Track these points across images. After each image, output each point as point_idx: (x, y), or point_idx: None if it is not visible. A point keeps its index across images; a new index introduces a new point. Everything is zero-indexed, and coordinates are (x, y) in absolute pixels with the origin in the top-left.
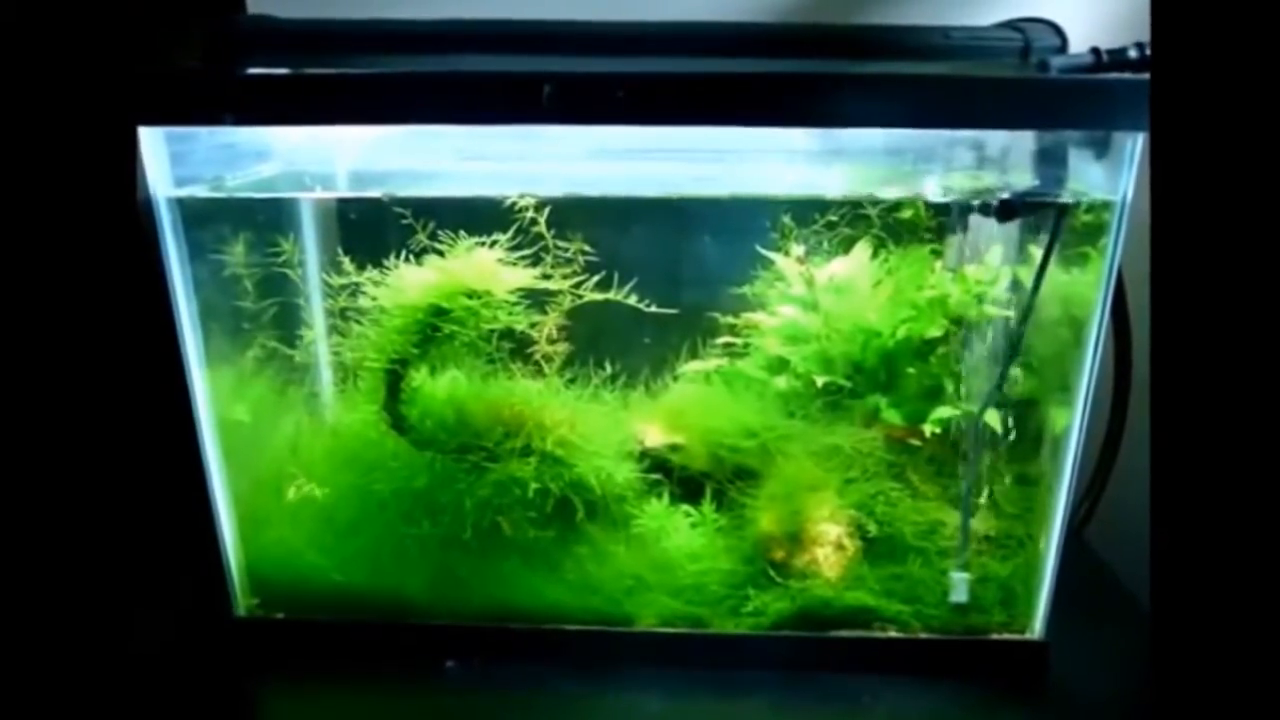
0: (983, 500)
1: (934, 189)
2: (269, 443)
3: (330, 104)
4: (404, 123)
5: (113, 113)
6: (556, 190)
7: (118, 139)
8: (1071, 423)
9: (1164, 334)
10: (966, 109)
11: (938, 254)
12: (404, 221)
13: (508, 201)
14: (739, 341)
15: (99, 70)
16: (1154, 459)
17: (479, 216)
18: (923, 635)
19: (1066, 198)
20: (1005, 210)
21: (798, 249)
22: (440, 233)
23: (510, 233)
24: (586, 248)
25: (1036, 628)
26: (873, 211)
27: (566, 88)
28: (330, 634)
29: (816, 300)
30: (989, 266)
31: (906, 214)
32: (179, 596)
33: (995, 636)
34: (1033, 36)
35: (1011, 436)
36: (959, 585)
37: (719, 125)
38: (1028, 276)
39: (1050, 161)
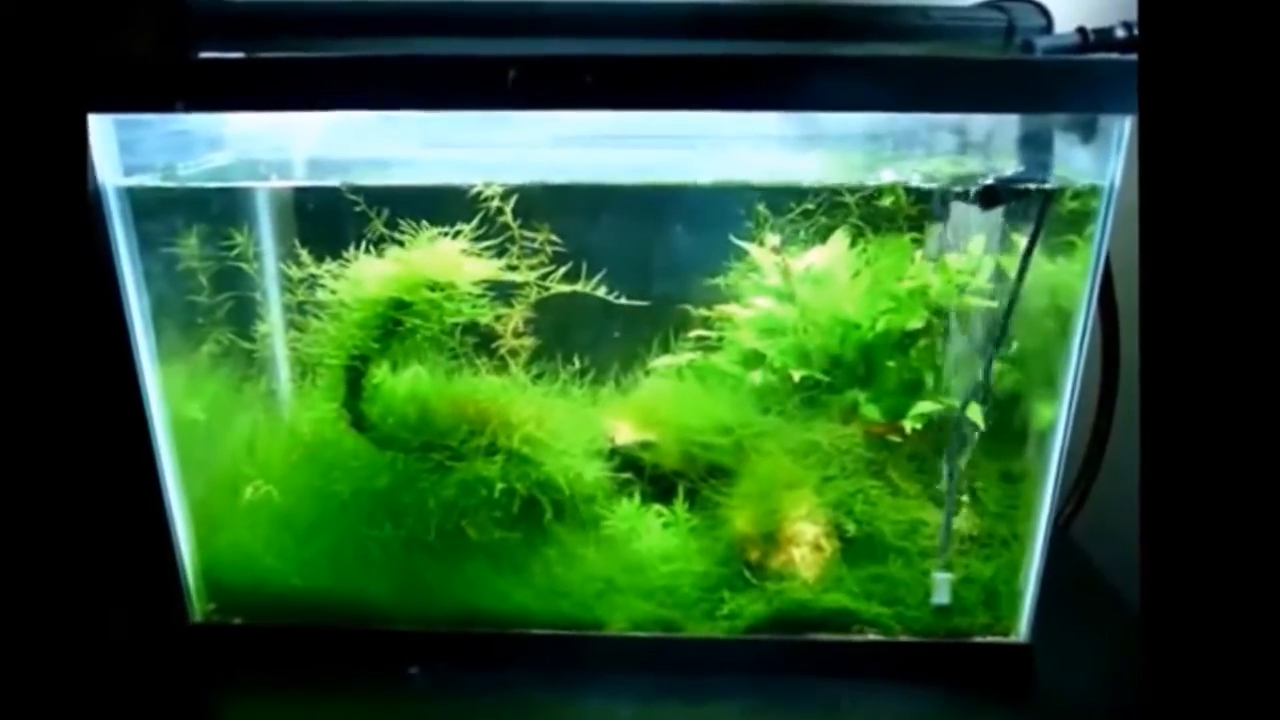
0: (965, 498)
1: (914, 175)
2: (225, 442)
3: (286, 89)
4: (363, 108)
5: (60, 100)
6: (522, 178)
7: (66, 127)
8: (1057, 417)
9: (1154, 325)
10: (948, 92)
11: (918, 243)
12: (359, 210)
13: (472, 190)
14: (712, 335)
15: (45, 56)
16: (1144, 455)
17: (442, 206)
18: (904, 638)
19: (1051, 184)
20: (988, 197)
21: (773, 238)
22: (401, 223)
23: (474, 223)
24: (554, 238)
25: (1021, 630)
26: (851, 199)
27: (532, 71)
28: (290, 640)
29: (793, 291)
30: (971, 256)
31: (886, 202)
32: (131, 602)
33: (979, 639)
34: (1016, 16)
35: (995, 432)
36: (941, 586)
37: (691, 110)
38: (1011, 266)
39: (1035, 146)
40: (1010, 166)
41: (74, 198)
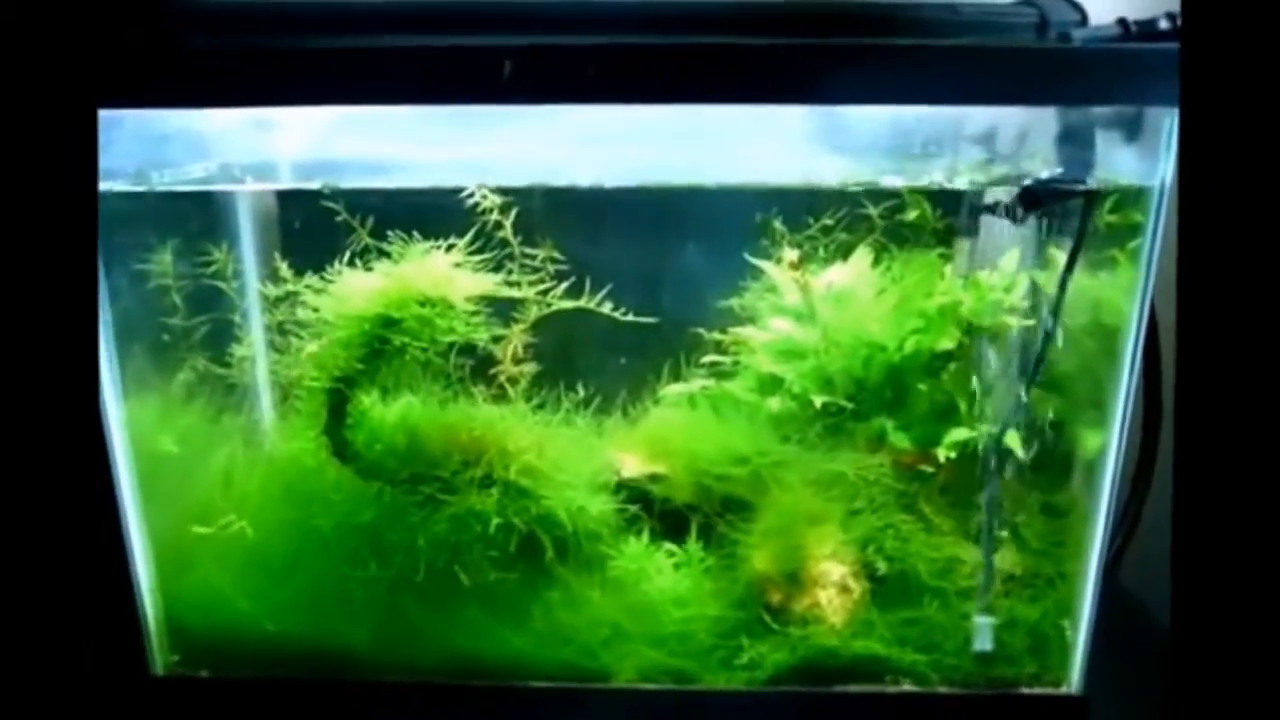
0: (1005, 534)
1: (946, 177)
2: (192, 472)
3: (275, 82)
4: (354, 102)
5: (70, 94)
6: (519, 181)
7: (75, 122)
8: (1106, 444)
9: (1193, 346)
10: (981, 83)
11: (946, 259)
12: (341, 219)
13: (463, 193)
14: (726, 360)
15: (54, 49)
16: (1177, 495)
17: (432, 215)
18: (942, 690)
19: (1095, 184)
20: (1027, 199)
21: (791, 253)
22: (390, 233)
23: (469, 234)
24: (556, 254)
25: (1073, 680)
26: (874, 211)
27: (530, 62)
28: (262, 693)
29: (813, 311)
30: (1005, 272)
31: (911, 215)
32: (86, 653)
33: (1026, 690)
34: (1049, 11)
35: (1036, 461)
36: (983, 631)
37: (704, 104)
38: (1049, 283)
39: (1076, 144)
40: (1050, 167)
41: (81, 198)
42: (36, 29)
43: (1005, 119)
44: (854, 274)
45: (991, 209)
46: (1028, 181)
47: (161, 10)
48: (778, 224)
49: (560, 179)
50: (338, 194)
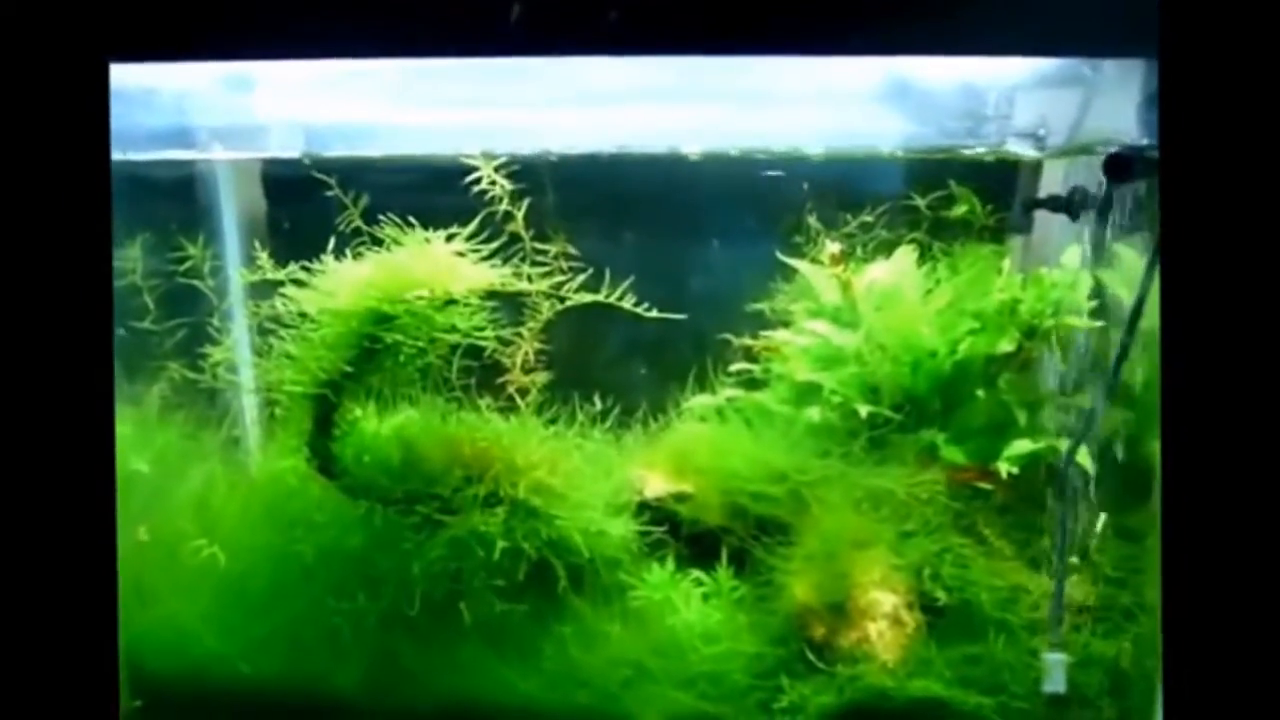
0: (1075, 560)
1: (1019, 142)
2: (156, 489)
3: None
4: (347, 55)
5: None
6: (526, 146)
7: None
8: None
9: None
10: (1055, 30)
11: (1000, 256)
12: (331, 193)
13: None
14: (756, 368)
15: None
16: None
17: (428, 187)
18: None
19: None
20: (1115, 166)
21: (833, 247)
22: (381, 215)
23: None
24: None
25: None
26: (921, 201)
27: (541, 5)
28: None
29: (855, 312)
30: (1066, 269)
31: (961, 210)
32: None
33: None
34: None
35: (1109, 479)
36: (1055, 670)
37: (741, 54)
38: (1116, 282)
39: None
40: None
41: (93, 155)
42: None
43: (1090, 74)
44: (898, 272)
45: (1048, 203)
46: (1114, 148)
47: None
48: (812, 220)
49: (574, 145)
50: (322, 163)
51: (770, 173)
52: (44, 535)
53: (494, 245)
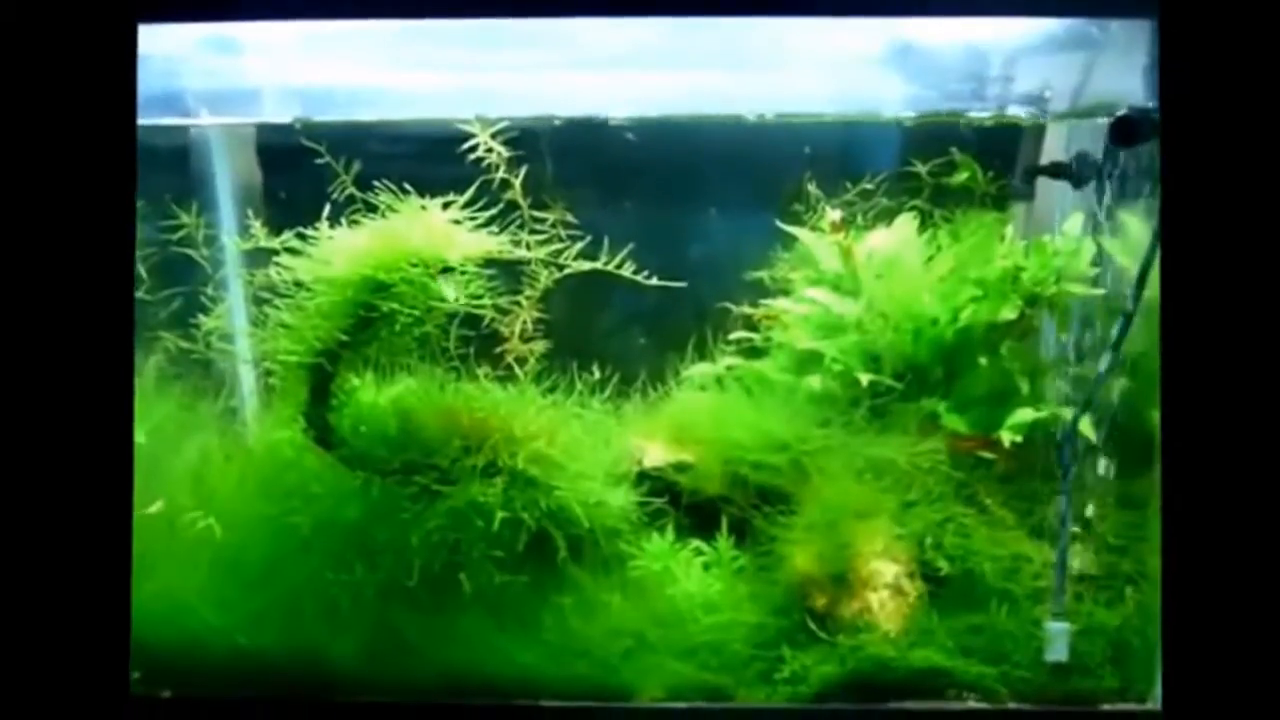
0: (1077, 529)
1: (1022, 106)
2: (153, 461)
3: None
4: (367, 16)
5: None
6: (523, 111)
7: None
8: None
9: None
10: None
11: (1002, 223)
12: (322, 161)
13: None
14: (757, 336)
15: None
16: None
17: (424, 153)
18: (1012, 706)
19: None
20: (1122, 130)
21: (834, 214)
22: (376, 181)
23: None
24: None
25: (1158, 694)
26: (922, 168)
27: None
28: (232, 716)
29: (856, 280)
30: (1069, 236)
31: (962, 176)
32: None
33: (1107, 707)
34: None
35: (1112, 447)
36: (1057, 639)
37: (741, 16)
38: (1118, 250)
39: None
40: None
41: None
42: None
43: (1099, 34)
44: (900, 239)
45: (1050, 170)
46: (1122, 111)
47: None
48: (812, 188)
49: (575, 109)
50: (312, 129)
51: (771, 138)
52: (61, 502)
53: (491, 212)
